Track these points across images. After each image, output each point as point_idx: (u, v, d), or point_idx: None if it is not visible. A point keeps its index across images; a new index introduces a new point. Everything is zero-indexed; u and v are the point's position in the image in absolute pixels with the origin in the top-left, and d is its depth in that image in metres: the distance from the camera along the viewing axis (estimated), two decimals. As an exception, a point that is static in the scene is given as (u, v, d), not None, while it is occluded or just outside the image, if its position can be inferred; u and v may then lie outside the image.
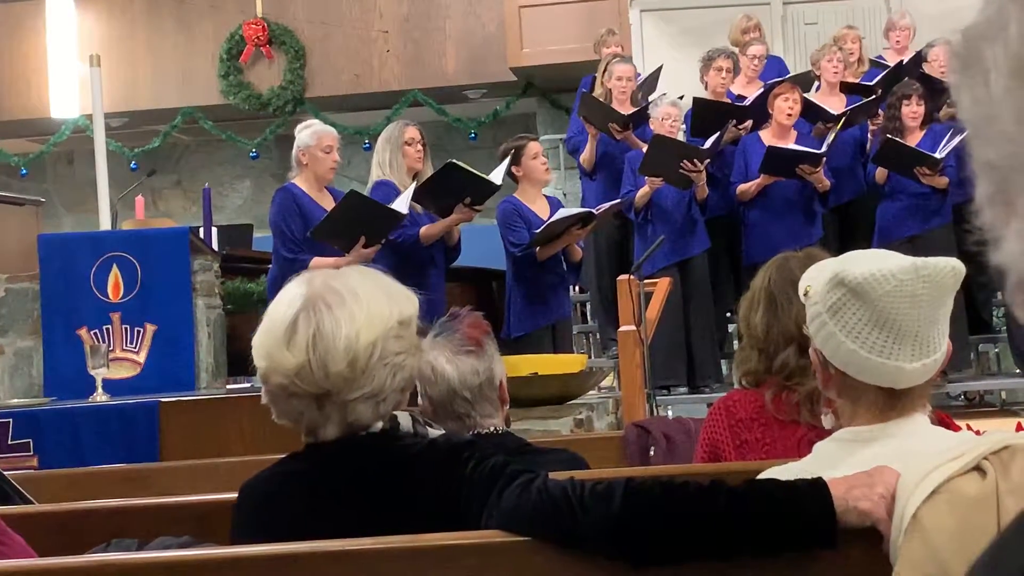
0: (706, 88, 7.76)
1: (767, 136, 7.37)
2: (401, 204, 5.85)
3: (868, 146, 7.69)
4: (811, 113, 7.44)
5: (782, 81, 7.54)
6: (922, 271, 1.89)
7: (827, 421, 2.12)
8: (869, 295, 1.90)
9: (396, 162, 6.21)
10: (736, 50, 7.99)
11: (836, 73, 7.74)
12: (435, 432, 2.05)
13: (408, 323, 2.00)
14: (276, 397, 1.97)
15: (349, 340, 1.91)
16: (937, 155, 6.96)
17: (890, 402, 1.98)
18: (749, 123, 7.54)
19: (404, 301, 2.02)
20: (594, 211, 6.63)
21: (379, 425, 1.99)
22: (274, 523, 1.99)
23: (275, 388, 1.96)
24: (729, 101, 7.73)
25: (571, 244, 6.59)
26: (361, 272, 2.06)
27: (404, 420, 2.02)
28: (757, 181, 7.22)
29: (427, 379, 2.69)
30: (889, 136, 7.16)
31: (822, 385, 2.05)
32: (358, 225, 5.83)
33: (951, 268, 1.89)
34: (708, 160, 7.11)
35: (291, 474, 2.04)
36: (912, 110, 7.21)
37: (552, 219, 6.44)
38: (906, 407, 1.98)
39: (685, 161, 6.99)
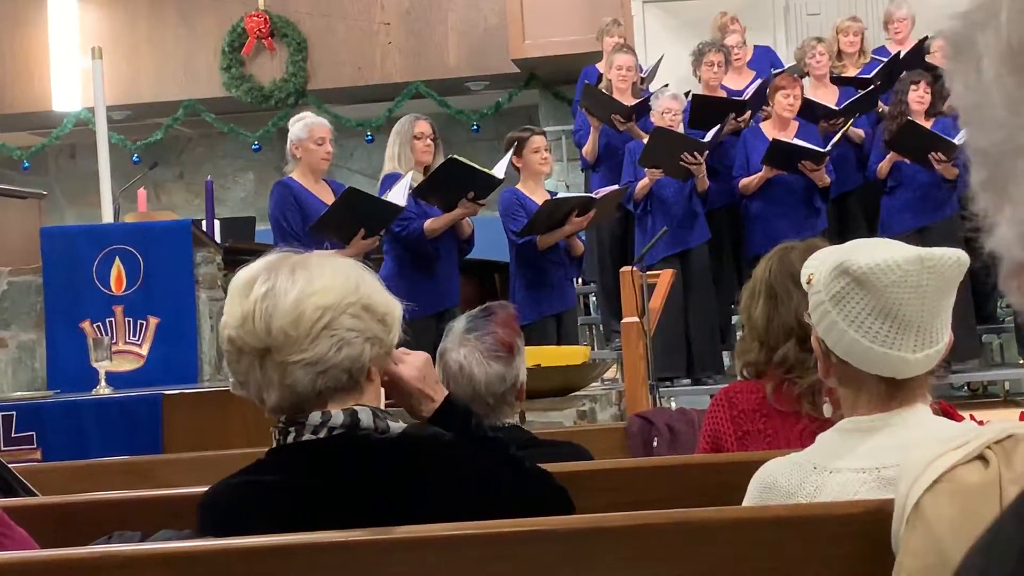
0: (699, 82, 7.77)
1: (768, 128, 7.36)
2: (398, 195, 5.86)
3: (863, 138, 7.70)
4: (809, 111, 7.42)
5: (780, 73, 7.54)
6: (927, 262, 1.88)
7: (826, 410, 2.11)
8: (874, 285, 1.89)
9: (404, 155, 6.22)
10: (726, 43, 7.98)
11: (821, 65, 7.73)
12: (396, 426, 2.01)
13: (376, 316, 1.98)
14: (231, 356, 1.98)
15: (298, 300, 1.92)
16: (956, 140, 6.93)
17: (891, 392, 1.97)
18: (748, 115, 7.53)
19: (381, 299, 2.01)
20: (594, 196, 6.63)
21: (341, 418, 1.96)
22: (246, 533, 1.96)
23: (227, 344, 1.97)
24: (725, 94, 7.73)
25: (572, 238, 6.58)
26: (351, 262, 2.06)
27: (365, 415, 1.98)
28: (759, 174, 7.22)
29: (453, 376, 2.68)
30: (910, 119, 7.13)
31: (823, 374, 2.05)
32: (357, 220, 5.84)
33: (956, 259, 1.89)
34: (708, 152, 7.11)
35: (258, 484, 2.01)
36: (919, 95, 7.19)
37: (551, 200, 6.43)
38: (907, 397, 1.98)
39: (685, 153, 6.99)
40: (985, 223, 0.64)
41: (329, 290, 1.95)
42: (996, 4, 0.62)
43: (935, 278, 1.88)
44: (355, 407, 1.98)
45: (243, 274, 1.99)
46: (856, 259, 1.91)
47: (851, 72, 7.97)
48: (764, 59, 8.23)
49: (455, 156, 6.21)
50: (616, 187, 6.96)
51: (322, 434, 1.96)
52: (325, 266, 1.99)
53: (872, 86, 7.54)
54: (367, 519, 1.91)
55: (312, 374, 1.94)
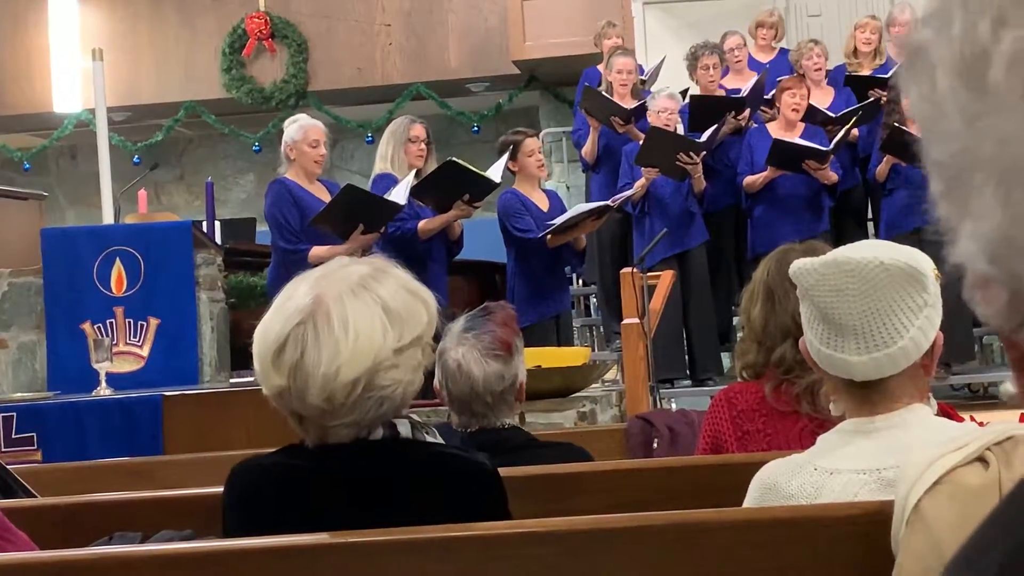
0: (696, 85, 7.77)
1: (774, 128, 7.36)
2: (399, 195, 5.87)
3: (857, 140, 7.70)
4: (809, 115, 7.40)
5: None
6: (844, 266, 1.88)
7: (835, 409, 2.11)
8: (801, 287, 1.93)
9: (398, 157, 6.23)
10: (720, 45, 7.96)
11: (819, 70, 7.72)
12: (431, 439, 2.02)
13: (410, 344, 1.93)
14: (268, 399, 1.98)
15: (327, 377, 1.87)
16: None
17: (861, 395, 1.96)
18: (747, 112, 7.53)
19: (411, 319, 1.94)
20: (610, 203, 6.66)
21: (380, 432, 1.97)
22: (273, 515, 1.98)
23: (265, 395, 1.96)
24: (724, 93, 7.73)
25: (579, 235, 6.63)
26: (366, 284, 1.94)
27: (403, 428, 1.99)
28: (764, 174, 7.21)
29: (451, 374, 2.68)
30: (896, 124, 7.14)
31: (818, 373, 2.06)
32: (356, 216, 5.84)
33: (879, 263, 1.87)
34: (704, 153, 7.11)
35: (294, 468, 2.01)
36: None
37: (570, 213, 6.47)
38: (881, 400, 1.95)
39: (681, 154, 6.99)
40: (947, 233, 0.63)
41: (359, 355, 1.88)
42: (948, 14, 0.60)
43: (856, 281, 1.87)
44: (393, 420, 1.98)
45: (269, 334, 1.92)
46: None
47: (865, 71, 7.95)
48: (784, 64, 8.17)
49: (454, 159, 6.21)
50: (629, 192, 6.98)
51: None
52: (349, 322, 1.89)
53: (873, 97, 7.54)
54: (391, 520, 1.93)
55: (354, 429, 1.94)
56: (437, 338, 2.05)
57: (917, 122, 0.64)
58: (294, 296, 1.94)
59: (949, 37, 0.60)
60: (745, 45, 8.10)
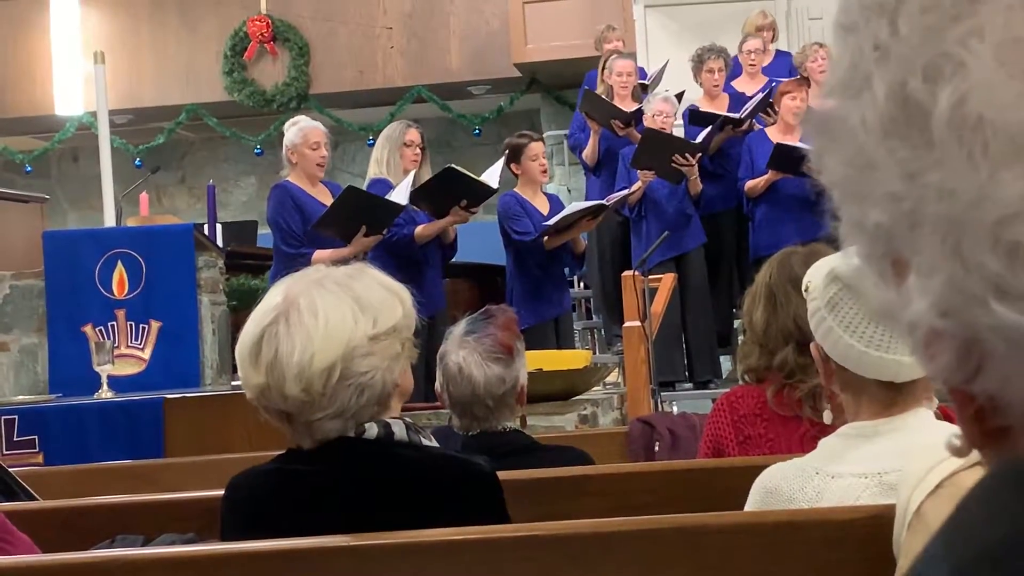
0: (701, 87, 7.76)
1: (774, 132, 7.36)
2: (400, 195, 5.87)
3: None
4: None
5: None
6: None
7: (827, 416, 2.11)
8: (862, 289, 1.90)
9: (393, 161, 6.24)
10: (726, 47, 7.97)
11: (824, 71, 7.72)
12: (428, 442, 2.03)
13: (385, 334, 1.95)
14: (260, 409, 1.99)
15: (301, 366, 1.89)
16: None
17: (891, 396, 1.97)
18: (746, 126, 7.53)
19: (384, 309, 1.96)
20: (605, 202, 6.66)
21: (375, 431, 1.97)
22: (271, 520, 1.98)
23: (250, 399, 1.98)
24: (729, 97, 7.72)
25: (575, 235, 6.64)
26: (338, 280, 1.97)
27: (399, 428, 1.99)
28: (765, 177, 7.22)
29: (452, 377, 2.68)
30: None
31: (824, 380, 2.05)
32: (358, 218, 5.85)
33: None
34: (700, 154, 7.11)
35: (291, 473, 2.02)
36: None
37: (565, 212, 6.47)
38: (909, 401, 1.97)
39: (676, 156, 6.99)
40: (881, 294, 0.61)
41: (331, 342, 1.90)
42: (864, 73, 0.58)
43: None
44: (388, 420, 1.99)
45: (246, 336, 1.96)
46: (846, 264, 1.92)
47: None
48: (783, 66, 8.17)
49: (453, 165, 6.23)
50: (626, 191, 6.97)
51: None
52: (318, 310, 1.92)
53: None
54: (389, 522, 1.93)
55: (341, 422, 1.95)
56: (418, 334, 2.05)
57: (840, 190, 0.62)
58: (267, 299, 1.98)
59: (872, 99, 0.58)
60: (765, 50, 8.09)
